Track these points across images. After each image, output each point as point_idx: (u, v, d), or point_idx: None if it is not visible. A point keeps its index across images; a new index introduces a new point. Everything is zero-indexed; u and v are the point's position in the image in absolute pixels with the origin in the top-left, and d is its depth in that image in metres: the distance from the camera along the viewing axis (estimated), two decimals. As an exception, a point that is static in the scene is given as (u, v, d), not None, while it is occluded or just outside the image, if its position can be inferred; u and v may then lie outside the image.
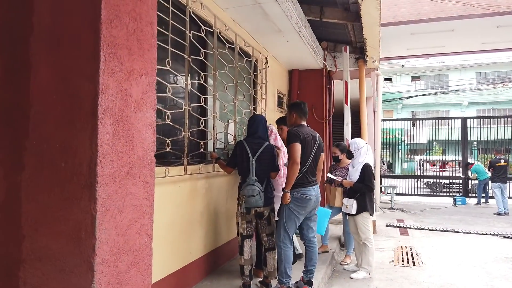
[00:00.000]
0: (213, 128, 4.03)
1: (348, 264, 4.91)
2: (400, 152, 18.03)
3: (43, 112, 1.48)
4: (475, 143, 14.68)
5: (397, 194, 11.99)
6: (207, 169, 3.85)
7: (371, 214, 4.48)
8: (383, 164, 14.63)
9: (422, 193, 13.81)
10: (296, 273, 3.72)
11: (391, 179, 13.84)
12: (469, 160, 12.90)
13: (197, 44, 3.63)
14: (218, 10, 4.06)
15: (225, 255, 4.35)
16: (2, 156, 1.56)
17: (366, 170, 4.39)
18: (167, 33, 3.06)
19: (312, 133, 3.60)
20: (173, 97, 3.38)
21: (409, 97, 23.45)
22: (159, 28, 2.90)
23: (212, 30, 3.93)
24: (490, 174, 10.51)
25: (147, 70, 1.65)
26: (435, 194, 13.75)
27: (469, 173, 11.96)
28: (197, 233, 3.73)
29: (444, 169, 15.43)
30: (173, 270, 3.30)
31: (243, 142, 3.61)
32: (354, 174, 4.45)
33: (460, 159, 13.11)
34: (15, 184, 1.51)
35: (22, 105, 1.51)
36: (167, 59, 3.04)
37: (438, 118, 16.85)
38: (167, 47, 3.06)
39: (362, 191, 4.38)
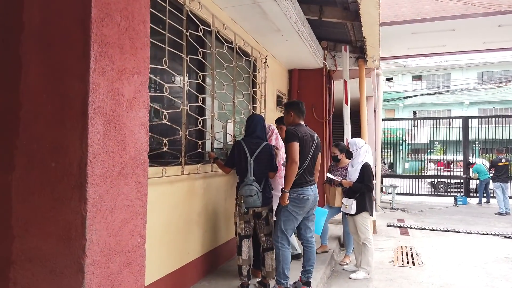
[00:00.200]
0: (211, 128, 4.01)
1: (347, 264, 4.89)
2: (401, 152, 17.99)
3: (33, 111, 1.46)
4: (476, 142, 14.62)
5: (398, 194, 11.96)
6: (205, 169, 3.84)
7: (371, 214, 4.46)
8: (384, 164, 14.59)
9: (426, 192, 13.74)
10: (294, 273, 3.70)
11: (392, 179, 13.80)
12: (471, 160, 12.86)
13: (195, 44, 3.61)
14: (216, 9, 4.04)
15: (223, 256, 4.33)
16: (-7, 156, 1.54)
17: (366, 170, 4.36)
18: (164, 32, 3.04)
19: (310, 132, 3.58)
20: (171, 97, 3.36)
21: (410, 97, 23.42)
22: (156, 27, 2.89)
23: (210, 29, 3.91)
24: (491, 174, 10.47)
25: (139, 69, 1.63)
26: (439, 194, 13.69)
27: (471, 172, 11.92)
28: (195, 233, 3.72)
29: (449, 169, 15.34)
30: (170, 271, 3.29)
31: (241, 142, 3.59)
32: (353, 174, 4.43)
33: (462, 158, 13.07)
34: (5, 184, 1.49)
35: (13, 105, 1.49)
36: (164, 59, 3.02)
37: (439, 118, 16.76)
38: (164, 46, 3.04)
39: (362, 191, 4.36)
